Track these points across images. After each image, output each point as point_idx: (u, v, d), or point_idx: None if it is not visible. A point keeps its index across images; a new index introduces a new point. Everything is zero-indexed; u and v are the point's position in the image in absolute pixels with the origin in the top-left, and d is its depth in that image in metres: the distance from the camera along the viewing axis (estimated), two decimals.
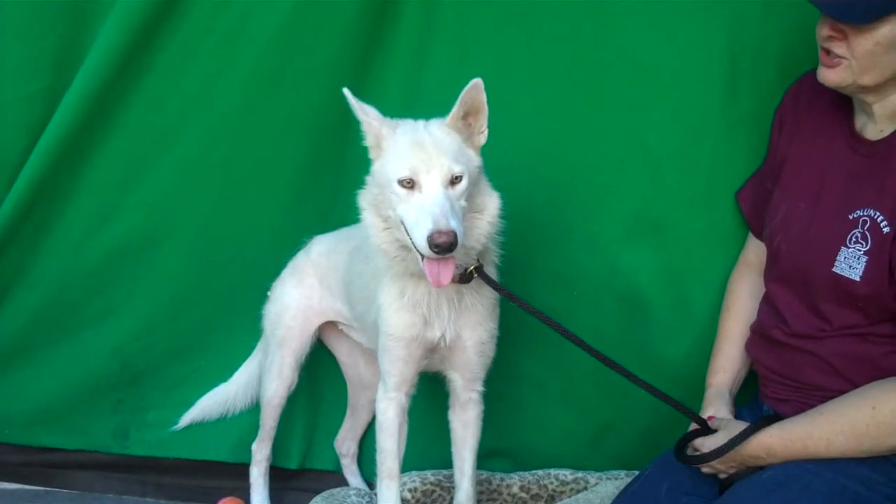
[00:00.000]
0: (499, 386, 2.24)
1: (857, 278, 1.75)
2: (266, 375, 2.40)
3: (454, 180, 1.82)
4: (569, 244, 2.29)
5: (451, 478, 2.32)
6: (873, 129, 1.81)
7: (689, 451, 1.91)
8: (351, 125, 1.98)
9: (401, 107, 2.20)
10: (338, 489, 2.33)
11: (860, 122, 1.84)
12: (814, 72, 1.87)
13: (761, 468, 1.80)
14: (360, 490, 2.35)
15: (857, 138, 1.84)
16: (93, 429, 2.64)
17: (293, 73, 2.33)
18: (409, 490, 2.31)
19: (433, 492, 2.33)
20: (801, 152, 1.94)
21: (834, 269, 1.78)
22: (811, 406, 1.80)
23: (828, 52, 1.78)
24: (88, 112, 2.35)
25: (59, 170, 2.41)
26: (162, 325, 2.56)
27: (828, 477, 1.71)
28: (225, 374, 2.59)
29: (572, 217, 2.30)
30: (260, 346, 2.49)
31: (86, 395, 2.61)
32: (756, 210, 2.08)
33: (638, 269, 2.29)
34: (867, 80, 1.74)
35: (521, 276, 2.28)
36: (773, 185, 2.00)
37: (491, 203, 1.92)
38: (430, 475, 2.34)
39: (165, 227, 2.50)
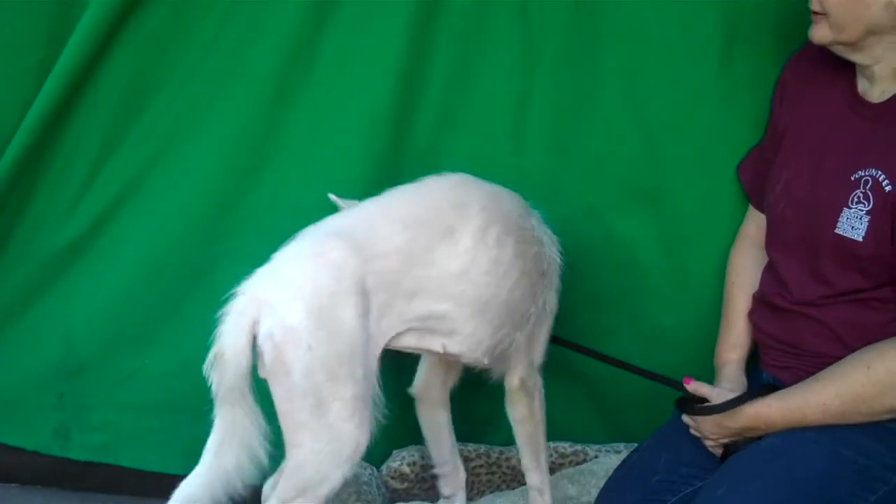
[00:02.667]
0: None
1: (860, 238, 1.77)
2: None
3: None
4: (564, 212, 2.27)
5: None
6: (875, 91, 1.85)
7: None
8: None
9: None
10: None
11: (862, 85, 1.87)
12: (806, 46, 1.95)
13: (759, 438, 1.80)
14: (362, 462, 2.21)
15: (860, 101, 1.86)
16: (35, 425, 2.44)
17: None
18: (408, 465, 2.21)
19: (432, 465, 2.23)
20: (803, 120, 1.96)
21: (836, 231, 1.80)
22: (811, 374, 1.81)
23: (812, 10, 1.82)
24: (71, 87, 2.25)
25: (42, 145, 2.30)
26: (109, 310, 2.40)
27: (826, 446, 1.72)
28: (169, 378, 2.41)
29: (567, 184, 2.30)
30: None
31: (31, 384, 2.42)
32: (756, 182, 2.10)
33: (634, 238, 2.30)
34: (845, 35, 1.78)
35: None
36: (773, 156, 2.03)
37: None
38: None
39: (135, 207, 2.36)
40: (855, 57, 1.82)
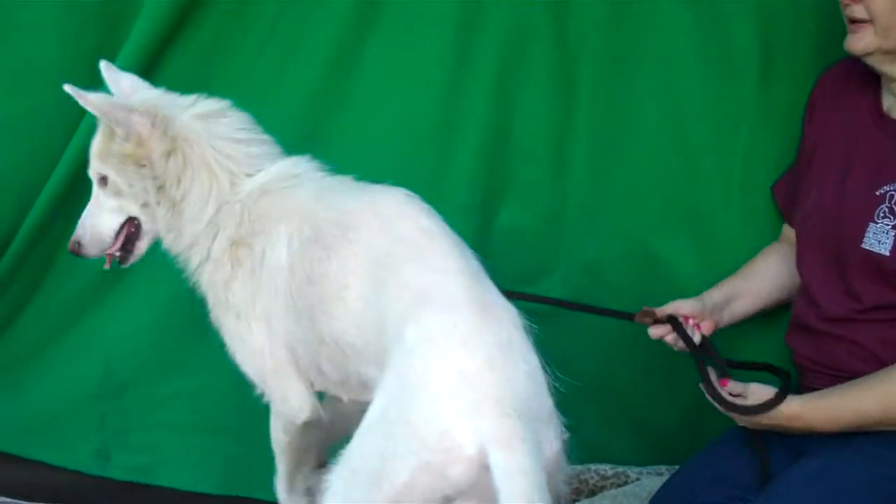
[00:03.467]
0: None
1: (887, 253, 1.77)
2: None
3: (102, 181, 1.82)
4: (604, 234, 2.28)
5: None
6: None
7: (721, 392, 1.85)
8: None
9: None
10: None
11: (887, 102, 1.88)
12: (844, 61, 1.94)
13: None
14: None
15: (885, 119, 1.87)
16: (76, 445, 2.47)
17: None
18: None
19: None
20: (830, 137, 1.97)
21: (863, 245, 1.80)
22: None
23: (852, 20, 1.81)
24: None
25: (83, 172, 2.28)
26: (149, 332, 2.43)
27: (868, 469, 1.70)
28: (207, 398, 2.43)
29: (607, 207, 2.29)
30: None
31: (73, 405, 2.45)
32: (790, 200, 2.10)
33: (673, 258, 2.28)
34: (890, 41, 1.77)
35: (555, 264, 2.28)
36: (804, 173, 2.03)
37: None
38: None
39: None
40: (890, 68, 1.81)
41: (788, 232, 2.12)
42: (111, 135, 1.79)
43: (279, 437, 1.88)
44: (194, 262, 1.84)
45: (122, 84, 1.88)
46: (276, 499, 2.38)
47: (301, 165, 1.85)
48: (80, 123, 2.27)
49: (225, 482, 2.45)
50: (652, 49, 2.25)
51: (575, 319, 2.12)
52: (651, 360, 2.25)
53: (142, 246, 1.90)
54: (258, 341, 1.78)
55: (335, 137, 2.33)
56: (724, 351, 2.00)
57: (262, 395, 1.85)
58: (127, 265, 1.93)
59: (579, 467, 2.29)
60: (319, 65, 2.30)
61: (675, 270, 2.28)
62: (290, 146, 2.29)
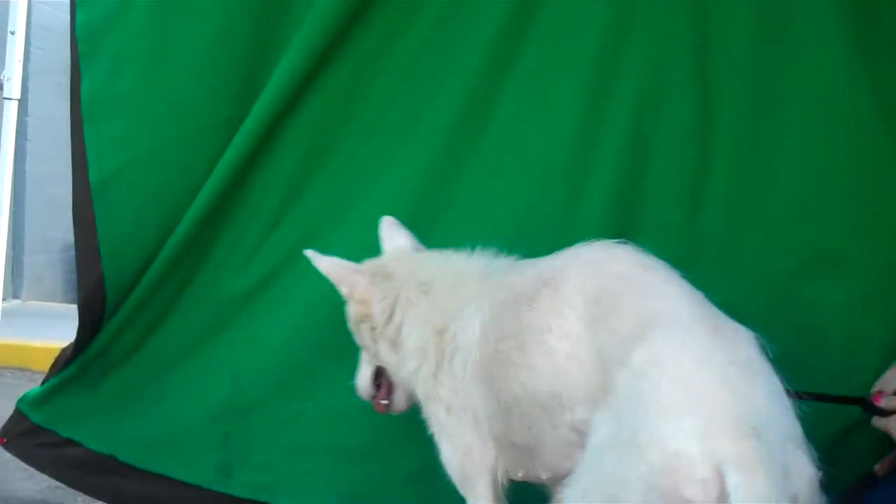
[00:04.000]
0: None
1: None
2: None
3: None
4: (742, 278, 2.23)
5: None
6: None
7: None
8: None
9: None
10: None
11: None
12: None
13: None
14: None
15: None
16: (200, 461, 2.51)
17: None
18: None
19: None
20: None
21: None
22: None
23: None
24: (257, 142, 2.35)
25: (228, 196, 2.40)
26: (276, 354, 2.47)
27: None
28: (329, 422, 2.46)
29: (744, 248, 2.25)
30: None
31: (198, 422, 2.51)
32: None
33: (816, 305, 2.22)
34: None
35: None
36: None
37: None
38: None
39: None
40: None
41: None
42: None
43: None
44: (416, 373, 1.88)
45: (397, 240, 2.01)
46: None
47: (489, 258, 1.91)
48: (223, 153, 2.33)
49: None
50: (797, 88, 2.20)
51: None
52: None
53: (398, 395, 2.03)
54: (466, 437, 1.79)
55: (469, 181, 2.35)
56: None
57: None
58: (395, 412, 2.06)
59: None
60: (455, 108, 2.33)
61: (819, 318, 2.22)
62: (424, 191, 2.36)
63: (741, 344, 1.38)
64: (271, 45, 2.31)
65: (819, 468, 1.30)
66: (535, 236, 2.31)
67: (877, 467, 1.76)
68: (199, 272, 2.47)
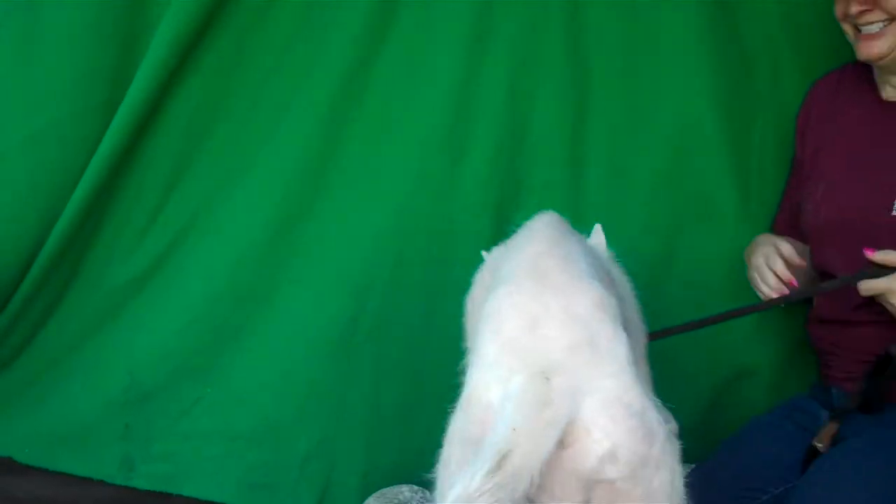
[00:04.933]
0: None
1: None
2: None
3: None
4: (623, 231, 2.21)
5: None
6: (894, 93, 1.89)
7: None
8: None
9: None
10: (389, 488, 2.19)
11: (886, 93, 1.91)
12: (831, 73, 2.01)
13: None
14: (412, 486, 2.20)
15: (885, 104, 1.90)
16: (101, 455, 2.47)
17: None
18: None
19: None
20: (834, 140, 1.99)
21: (894, 213, 1.79)
22: None
23: (858, 28, 1.84)
24: (137, 124, 2.32)
25: (111, 180, 2.36)
26: (172, 341, 2.44)
27: None
28: (231, 406, 2.44)
29: (626, 204, 2.31)
30: None
31: (97, 415, 2.46)
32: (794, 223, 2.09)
33: (691, 255, 2.30)
34: None
35: None
36: (803, 183, 2.05)
37: None
38: None
39: (197, 238, 2.43)
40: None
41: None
42: None
43: None
44: None
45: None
46: None
47: None
48: (104, 133, 2.30)
49: (245, 491, 2.45)
50: (666, 47, 2.27)
51: None
52: (666, 362, 2.24)
53: None
54: None
55: (351, 144, 2.35)
56: (742, 343, 1.98)
57: None
58: None
59: None
60: (334, 78, 2.33)
61: (694, 267, 2.29)
62: (308, 165, 2.36)
63: (574, 296, 1.31)
64: (143, 25, 2.28)
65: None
66: (420, 204, 2.33)
67: (818, 444, 1.78)
68: (86, 261, 2.43)
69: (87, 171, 2.32)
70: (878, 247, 1.78)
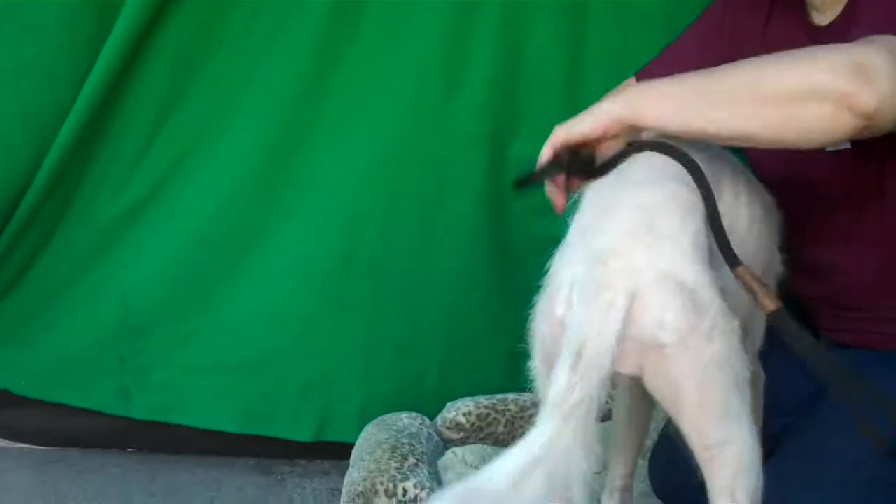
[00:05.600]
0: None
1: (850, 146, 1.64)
2: None
3: None
4: None
5: (504, 401, 2.27)
6: (819, 17, 1.74)
7: None
8: None
9: None
10: (388, 415, 2.22)
11: (812, 15, 1.75)
12: None
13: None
14: (410, 413, 2.24)
15: (814, 29, 1.74)
16: (97, 387, 2.48)
17: None
18: (464, 415, 2.23)
19: (488, 415, 2.25)
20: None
21: (828, 150, 1.67)
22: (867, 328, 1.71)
23: None
24: (124, 58, 2.28)
25: (99, 115, 2.33)
26: (166, 272, 2.44)
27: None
28: (226, 337, 2.45)
29: None
30: None
31: (91, 347, 2.46)
32: None
33: None
34: None
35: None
36: None
37: None
38: (483, 400, 2.27)
39: (188, 171, 2.41)
40: None
41: None
42: None
43: None
44: None
45: None
46: (292, 437, 2.44)
47: None
48: (91, 69, 2.27)
49: (243, 420, 2.48)
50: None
51: None
52: None
53: None
54: None
55: (344, 77, 2.33)
56: None
57: None
58: None
59: None
60: (326, 7, 2.30)
61: None
62: (300, 95, 2.33)
63: (647, 188, 1.34)
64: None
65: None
66: (415, 135, 2.33)
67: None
68: (77, 195, 2.41)
69: (76, 104, 2.29)
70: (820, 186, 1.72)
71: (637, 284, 1.22)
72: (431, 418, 2.27)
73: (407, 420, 2.19)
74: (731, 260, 1.32)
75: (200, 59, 2.34)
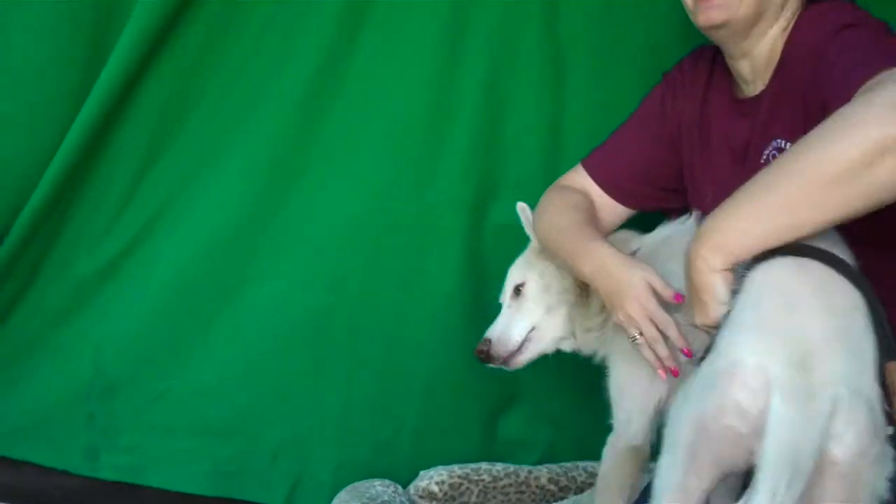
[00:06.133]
0: (530, 378, 2.23)
1: None
2: None
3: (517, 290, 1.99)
4: None
5: (478, 471, 2.24)
6: (748, 89, 1.80)
7: None
8: None
9: None
10: (361, 482, 2.19)
11: (738, 90, 1.83)
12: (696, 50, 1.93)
13: None
14: (384, 481, 2.20)
15: (739, 102, 1.82)
16: (66, 446, 2.44)
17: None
18: (437, 483, 2.20)
19: (461, 484, 2.21)
20: (692, 124, 1.91)
21: None
22: None
23: None
24: (107, 111, 2.27)
25: (80, 167, 2.31)
26: (139, 331, 2.41)
27: None
28: (199, 398, 2.41)
29: None
30: None
31: (61, 405, 2.42)
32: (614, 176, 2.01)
33: None
34: (744, 8, 1.69)
35: None
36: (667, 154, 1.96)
37: None
38: (456, 469, 2.24)
39: (166, 227, 2.38)
40: (739, 45, 1.74)
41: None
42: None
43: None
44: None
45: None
46: (263, 500, 2.40)
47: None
48: (75, 119, 2.26)
49: (214, 483, 2.43)
50: (641, 40, 2.26)
51: None
52: None
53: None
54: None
55: (326, 137, 2.33)
56: None
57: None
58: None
59: (568, 464, 2.31)
60: (310, 67, 2.30)
61: None
62: (281, 156, 2.33)
63: (833, 288, 1.31)
64: (117, 14, 2.23)
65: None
66: (397, 197, 2.32)
67: None
68: (54, 249, 2.39)
69: (57, 156, 2.28)
70: None
71: (837, 396, 1.19)
72: (404, 486, 2.24)
73: (380, 488, 2.16)
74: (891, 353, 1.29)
75: (182, 115, 2.34)
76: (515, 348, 1.96)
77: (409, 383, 2.37)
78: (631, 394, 1.84)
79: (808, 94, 1.61)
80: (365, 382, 2.37)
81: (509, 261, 2.18)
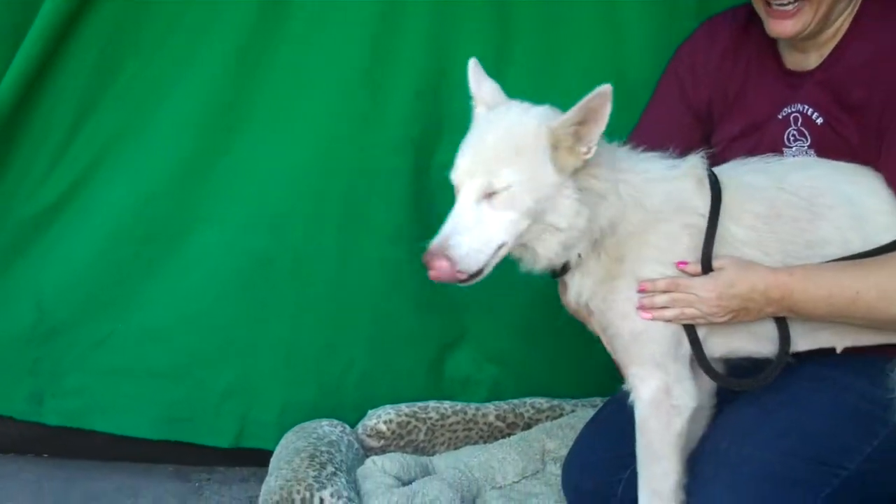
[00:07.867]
0: (475, 318, 2.26)
1: None
2: None
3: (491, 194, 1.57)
4: None
5: (425, 409, 2.26)
6: (804, 62, 1.83)
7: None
8: None
9: None
10: (308, 422, 2.19)
11: (790, 60, 1.85)
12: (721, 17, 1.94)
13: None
14: (331, 420, 2.21)
15: (787, 73, 1.84)
16: (9, 391, 2.41)
17: None
18: (385, 422, 2.21)
19: (408, 423, 2.23)
20: (740, 98, 1.91)
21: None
22: None
23: (768, 2, 1.75)
24: (44, 56, 2.22)
25: (17, 113, 2.27)
26: (82, 275, 2.38)
27: (829, 394, 1.69)
28: (145, 341, 2.40)
29: None
30: None
31: (3, 350, 2.39)
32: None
33: None
34: (822, 10, 1.73)
35: None
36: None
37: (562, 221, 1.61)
38: (404, 407, 2.25)
39: (107, 173, 2.34)
40: (814, 38, 1.78)
41: None
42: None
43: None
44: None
45: (484, 88, 1.72)
46: (211, 443, 2.40)
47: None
48: (8, 68, 2.21)
49: (161, 426, 2.43)
50: None
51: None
52: None
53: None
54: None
55: (269, 83, 2.30)
56: None
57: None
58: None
59: (515, 401, 2.33)
60: (252, 12, 2.26)
61: None
62: (224, 94, 2.29)
63: None
64: None
65: None
66: (341, 140, 2.30)
67: None
68: None
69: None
70: None
71: None
72: (352, 426, 2.25)
73: (327, 428, 2.17)
74: None
75: (123, 57, 2.29)
76: (483, 267, 1.58)
77: (355, 325, 2.37)
78: (651, 338, 1.69)
79: (854, 92, 1.73)
80: (310, 325, 2.37)
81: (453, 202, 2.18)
